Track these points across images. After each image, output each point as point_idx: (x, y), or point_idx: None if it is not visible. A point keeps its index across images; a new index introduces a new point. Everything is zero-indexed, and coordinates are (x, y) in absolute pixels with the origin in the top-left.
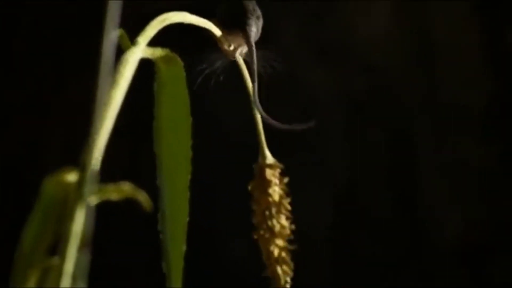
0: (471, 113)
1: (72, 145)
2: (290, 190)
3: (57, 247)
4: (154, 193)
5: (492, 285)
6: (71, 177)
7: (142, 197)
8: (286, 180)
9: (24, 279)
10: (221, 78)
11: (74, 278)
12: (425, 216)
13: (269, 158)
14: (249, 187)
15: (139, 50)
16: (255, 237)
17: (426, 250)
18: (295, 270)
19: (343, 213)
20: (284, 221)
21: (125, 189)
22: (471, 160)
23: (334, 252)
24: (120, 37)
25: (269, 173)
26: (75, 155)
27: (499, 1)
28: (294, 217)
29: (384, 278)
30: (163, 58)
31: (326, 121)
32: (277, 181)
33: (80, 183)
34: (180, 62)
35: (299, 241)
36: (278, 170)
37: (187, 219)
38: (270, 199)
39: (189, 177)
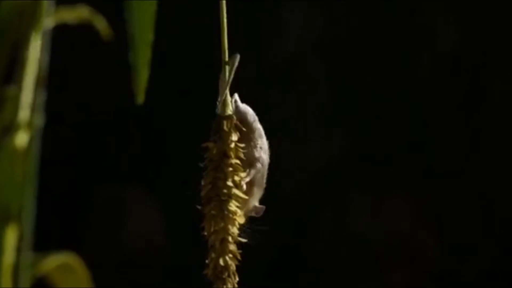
0: None
1: None
2: None
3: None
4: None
5: None
6: None
7: (100, 23)
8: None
9: None
10: None
11: (33, 111)
12: None
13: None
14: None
15: None
16: (203, 209)
17: None
18: None
19: None
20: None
21: (83, 12)
22: None
23: None
24: None
25: (227, 125)
26: None
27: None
28: None
29: None
30: None
31: None
32: (235, 137)
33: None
34: None
35: None
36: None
37: (156, 5)
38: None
39: None
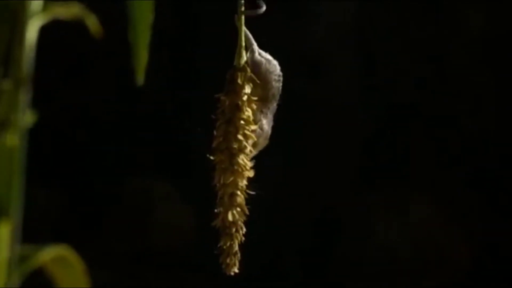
0: None
1: None
2: None
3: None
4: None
5: None
6: None
7: (91, 21)
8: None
9: None
10: None
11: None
12: None
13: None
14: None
15: None
16: (214, 160)
17: None
18: None
19: None
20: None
21: (74, 9)
22: None
23: None
24: None
25: (241, 77)
26: None
27: None
28: None
29: None
30: None
31: None
32: (248, 90)
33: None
34: None
35: None
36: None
37: None
38: (239, 102)
39: None
